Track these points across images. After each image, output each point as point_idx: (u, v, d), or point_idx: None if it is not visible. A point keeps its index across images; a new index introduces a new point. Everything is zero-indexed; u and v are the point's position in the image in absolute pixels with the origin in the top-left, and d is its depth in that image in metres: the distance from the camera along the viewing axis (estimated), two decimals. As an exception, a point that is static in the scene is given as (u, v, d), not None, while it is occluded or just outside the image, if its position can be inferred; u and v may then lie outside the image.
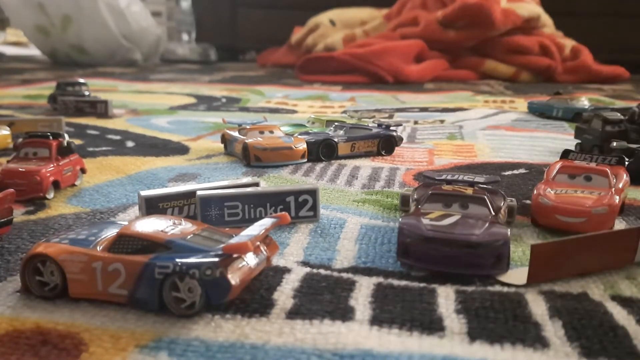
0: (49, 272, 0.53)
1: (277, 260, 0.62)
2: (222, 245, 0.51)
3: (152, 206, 0.71)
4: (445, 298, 0.54)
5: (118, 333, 0.48)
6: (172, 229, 0.54)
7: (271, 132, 1.10)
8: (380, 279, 0.58)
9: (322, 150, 1.08)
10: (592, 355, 0.45)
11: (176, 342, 0.46)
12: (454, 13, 2.60)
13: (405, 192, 0.78)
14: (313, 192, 0.74)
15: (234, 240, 0.51)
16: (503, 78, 2.71)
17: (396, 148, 1.15)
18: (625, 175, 0.79)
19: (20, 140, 0.92)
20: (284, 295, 0.54)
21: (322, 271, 0.60)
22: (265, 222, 0.56)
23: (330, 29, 3.08)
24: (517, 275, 0.58)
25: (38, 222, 0.74)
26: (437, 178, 0.73)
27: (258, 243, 0.55)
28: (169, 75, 2.84)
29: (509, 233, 0.59)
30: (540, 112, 1.68)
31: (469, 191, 0.68)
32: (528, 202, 0.81)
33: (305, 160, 1.06)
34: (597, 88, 2.49)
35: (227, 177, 0.96)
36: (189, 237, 0.53)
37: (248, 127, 1.11)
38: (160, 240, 0.52)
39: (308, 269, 0.60)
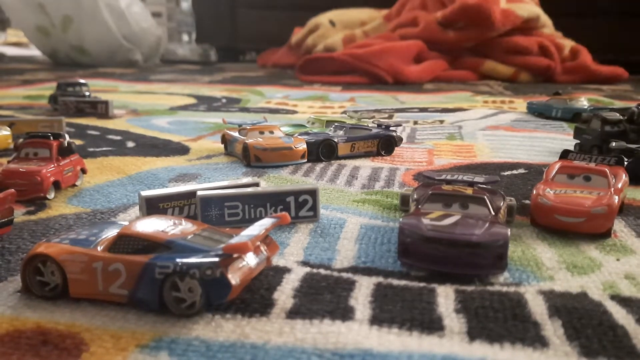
0: (49, 272, 0.53)
1: (277, 260, 0.62)
2: (222, 245, 0.51)
3: (152, 206, 0.71)
4: (445, 298, 0.54)
5: (118, 333, 0.48)
6: (173, 229, 0.54)
7: (271, 132, 1.10)
8: (380, 279, 0.58)
9: (322, 151, 1.08)
10: (591, 354, 0.45)
11: (177, 342, 0.46)
12: (454, 13, 2.60)
13: (405, 192, 0.78)
14: (313, 192, 0.74)
15: (234, 240, 0.51)
16: (502, 78, 2.71)
17: (396, 148, 1.15)
18: (624, 175, 0.79)
19: (20, 140, 0.92)
20: (284, 295, 0.54)
21: (322, 271, 0.60)
22: (265, 222, 0.56)
23: (330, 30, 3.08)
24: None
25: (39, 222, 0.74)
26: (436, 178, 0.73)
27: (258, 243, 0.55)
28: (169, 75, 2.84)
29: (509, 233, 0.59)
30: (539, 112, 1.68)
31: (469, 191, 0.68)
32: (527, 202, 0.81)
33: (305, 160, 1.06)
34: (596, 88, 2.49)
35: (227, 177, 0.96)
36: (189, 237, 0.53)
37: (248, 127, 1.11)
38: (160, 240, 0.52)
39: (308, 269, 0.60)
